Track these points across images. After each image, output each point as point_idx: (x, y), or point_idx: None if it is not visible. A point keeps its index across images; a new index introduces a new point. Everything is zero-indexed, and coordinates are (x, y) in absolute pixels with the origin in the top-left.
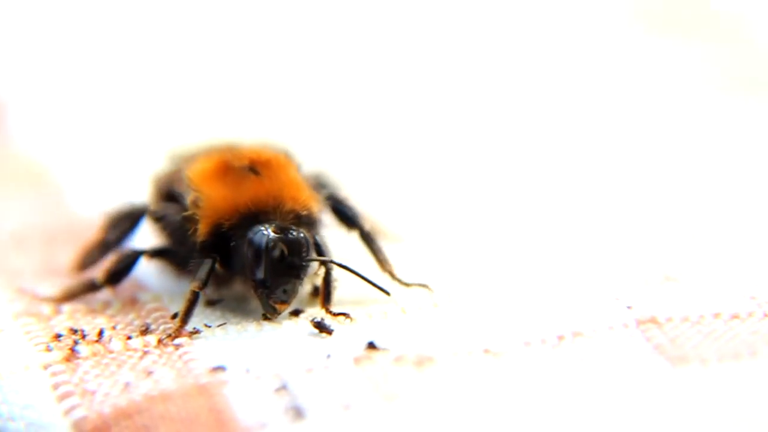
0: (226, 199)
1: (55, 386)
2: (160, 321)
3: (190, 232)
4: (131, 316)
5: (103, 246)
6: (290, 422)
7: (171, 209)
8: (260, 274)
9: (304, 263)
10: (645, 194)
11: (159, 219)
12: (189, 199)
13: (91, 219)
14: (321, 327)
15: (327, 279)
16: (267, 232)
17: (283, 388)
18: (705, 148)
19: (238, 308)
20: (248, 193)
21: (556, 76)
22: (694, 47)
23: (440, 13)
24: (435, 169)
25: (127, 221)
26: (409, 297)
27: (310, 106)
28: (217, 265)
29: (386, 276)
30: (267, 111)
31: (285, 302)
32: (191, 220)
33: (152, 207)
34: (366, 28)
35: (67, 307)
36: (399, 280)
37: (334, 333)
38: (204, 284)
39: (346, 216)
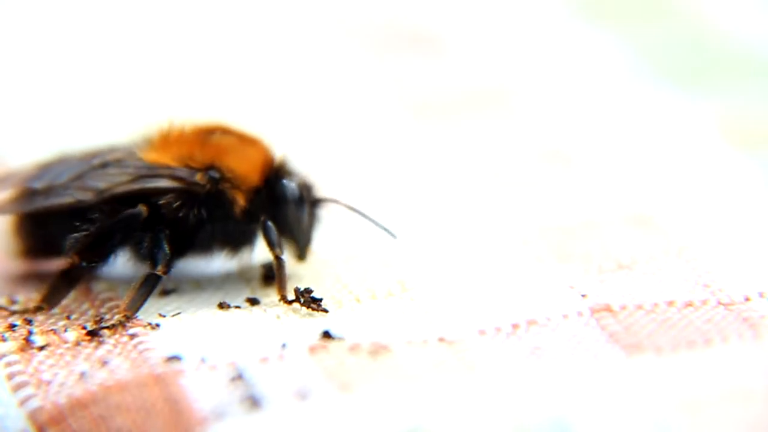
0: (249, 161)
1: (10, 376)
2: (115, 311)
3: (215, 212)
4: (85, 305)
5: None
6: (246, 412)
7: (175, 199)
8: (307, 219)
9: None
10: (595, 183)
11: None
12: (197, 179)
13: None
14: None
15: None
16: (301, 180)
17: (239, 377)
18: (650, 136)
19: (193, 297)
20: (255, 151)
21: (501, 66)
22: (634, 36)
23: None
24: (382, 158)
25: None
26: (366, 286)
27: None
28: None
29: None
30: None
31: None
32: (216, 197)
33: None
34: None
35: (20, 298)
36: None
37: (289, 321)
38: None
39: None
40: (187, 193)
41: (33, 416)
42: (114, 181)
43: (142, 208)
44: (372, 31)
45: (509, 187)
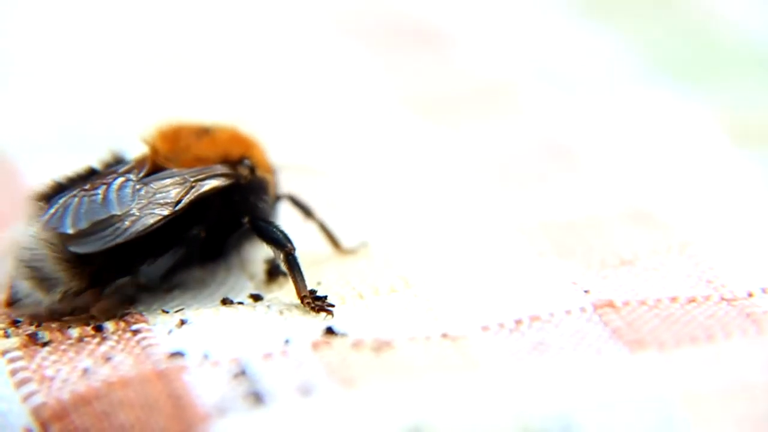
0: (259, 148)
1: (13, 372)
2: (119, 306)
3: (261, 198)
4: (89, 301)
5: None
6: (249, 408)
7: (234, 194)
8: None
9: None
10: (598, 179)
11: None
12: (241, 171)
13: None
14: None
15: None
16: None
17: (242, 373)
18: (652, 132)
19: (196, 293)
20: (252, 138)
21: (504, 62)
22: (637, 32)
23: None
24: (384, 155)
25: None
26: (369, 282)
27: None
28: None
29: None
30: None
31: None
32: (255, 185)
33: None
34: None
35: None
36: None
37: (292, 317)
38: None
39: None
40: (238, 186)
41: (36, 412)
42: (179, 191)
43: (200, 231)
44: (375, 28)
45: (512, 183)
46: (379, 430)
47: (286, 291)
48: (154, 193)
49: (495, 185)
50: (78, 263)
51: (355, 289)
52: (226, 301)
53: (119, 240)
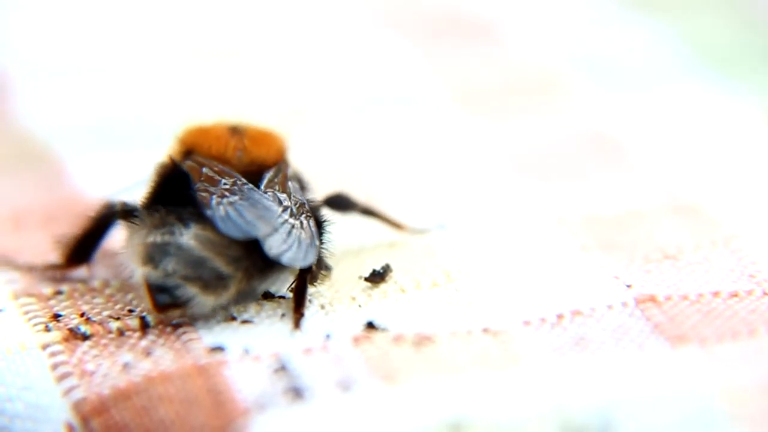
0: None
1: (54, 366)
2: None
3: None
4: (130, 295)
5: None
6: (289, 403)
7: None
8: None
9: None
10: (642, 172)
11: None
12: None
13: (91, 197)
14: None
15: None
16: None
17: (282, 368)
18: (697, 125)
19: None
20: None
21: (548, 54)
22: (682, 24)
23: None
24: (428, 147)
25: None
26: (411, 275)
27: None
28: None
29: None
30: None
31: None
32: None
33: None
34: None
35: (66, 287)
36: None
37: (333, 312)
38: None
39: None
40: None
41: (77, 407)
42: (296, 190)
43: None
44: (420, 20)
45: (556, 176)
46: (420, 426)
47: (327, 286)
48: (293, 195)
49: (538, 178)
50: (249, 262)
51: (397, 282)
52: (267, 296)
53: (316, 246)
